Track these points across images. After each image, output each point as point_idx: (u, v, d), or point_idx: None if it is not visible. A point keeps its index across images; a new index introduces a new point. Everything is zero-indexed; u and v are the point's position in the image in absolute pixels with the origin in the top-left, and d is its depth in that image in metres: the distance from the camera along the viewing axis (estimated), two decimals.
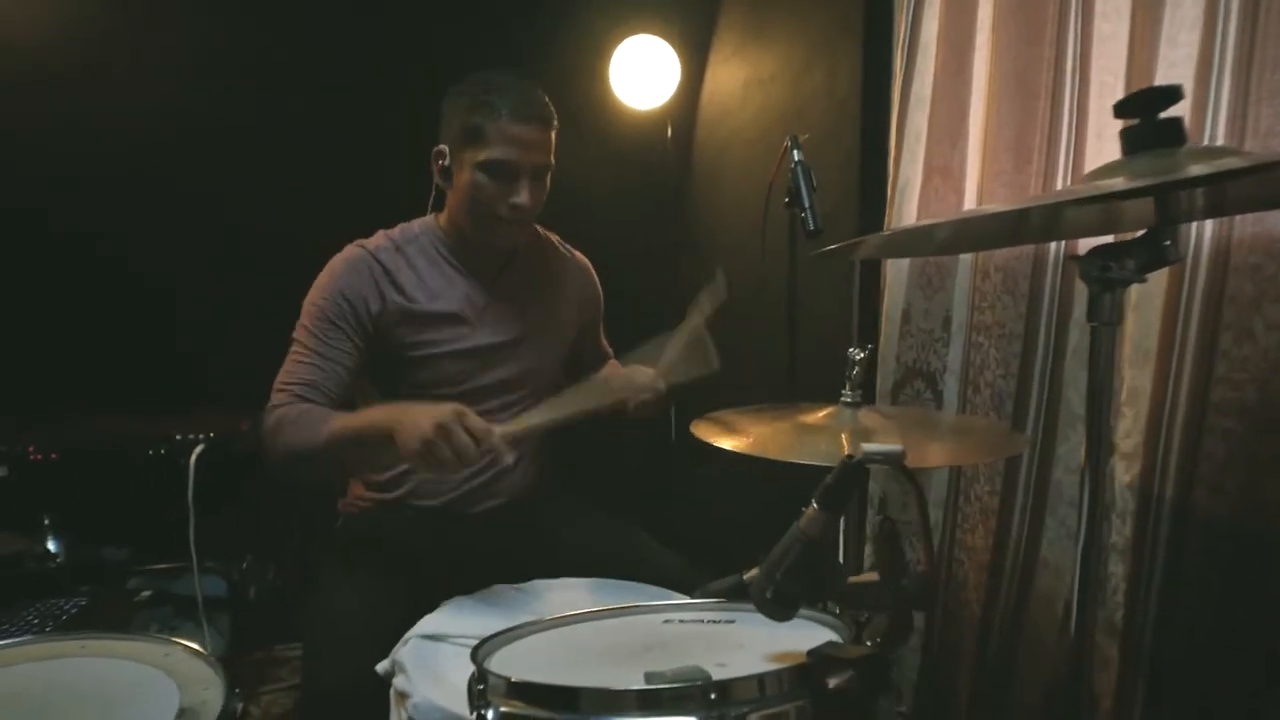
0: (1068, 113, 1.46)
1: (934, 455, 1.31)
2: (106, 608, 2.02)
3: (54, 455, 2.02)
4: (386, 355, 1.60)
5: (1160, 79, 1.27)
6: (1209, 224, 1.20)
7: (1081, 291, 1.45)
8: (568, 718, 0.78)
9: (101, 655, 1.12)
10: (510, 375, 1.68)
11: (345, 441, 1.42)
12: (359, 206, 1.80)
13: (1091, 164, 1.43)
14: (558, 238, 1.85)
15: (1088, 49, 1.42)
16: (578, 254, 1.86)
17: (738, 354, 2.42)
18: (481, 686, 0.83)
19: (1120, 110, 0.84)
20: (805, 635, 0.91)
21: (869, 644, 0.84)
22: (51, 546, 2.06)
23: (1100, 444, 0.86)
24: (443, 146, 1.59)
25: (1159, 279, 1.26)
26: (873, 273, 1.88)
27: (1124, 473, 1.32)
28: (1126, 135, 0.83)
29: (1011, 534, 1.53)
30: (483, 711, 0.80)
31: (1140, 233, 0.84)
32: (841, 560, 1.40)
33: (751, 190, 2.38)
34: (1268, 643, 1.15)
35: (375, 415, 1.43)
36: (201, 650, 1.10)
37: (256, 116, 2.38)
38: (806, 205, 1.58)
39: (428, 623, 1.31)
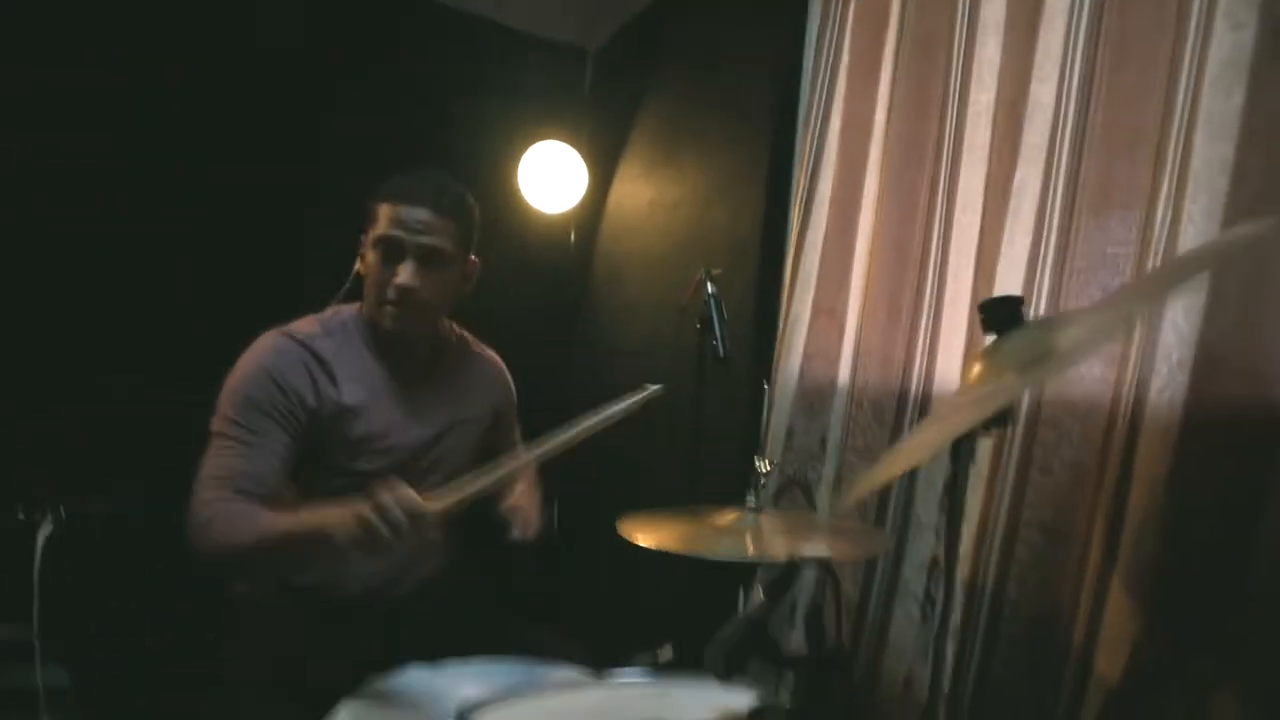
0: (932, 278, 1.80)
1: (816, 550, 1.55)
2: None
3: None
4: (310, 451, 1.60)
5: (1002, 262, 1.62)
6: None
7: None
8: None
9: None
10: (429, 470, 1.71)
11: (278, 539, 1.43)
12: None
13: (948, 320, 1.75)
14: (470, 335, 1.91)
15: (948, 232, 1.77)
16: (489, 351, 1.93)
17: (640, 454, 2.62)
18: None
19: (983, 309, 1.14)
20: (728, 698, 1.10)
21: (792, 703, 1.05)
22: None
23: (953, 555, 1.12)
24: (362, 235, 1.68)
25: None
26: (759, 396, 2.16)
27: (958, 572, 1.62)
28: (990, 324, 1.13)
29: (867, 620, 1.80)
30: None
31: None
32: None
33: (651, 306, 2.62)
34: (1049, 696, 1.47)
35: (304, 513, 1.45)
36: None
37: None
38: (718, 335, 1.81)
39: (351, 711, 1.32)
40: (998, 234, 1.64)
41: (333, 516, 1.36)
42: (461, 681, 1.46)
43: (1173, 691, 1.32)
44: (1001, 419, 1.10)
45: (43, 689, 1.90)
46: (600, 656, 1.59)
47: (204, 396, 1.61)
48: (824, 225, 2.05)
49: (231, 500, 1.48)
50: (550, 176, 2.85)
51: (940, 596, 1.13)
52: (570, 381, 2.98)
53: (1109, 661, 1.39)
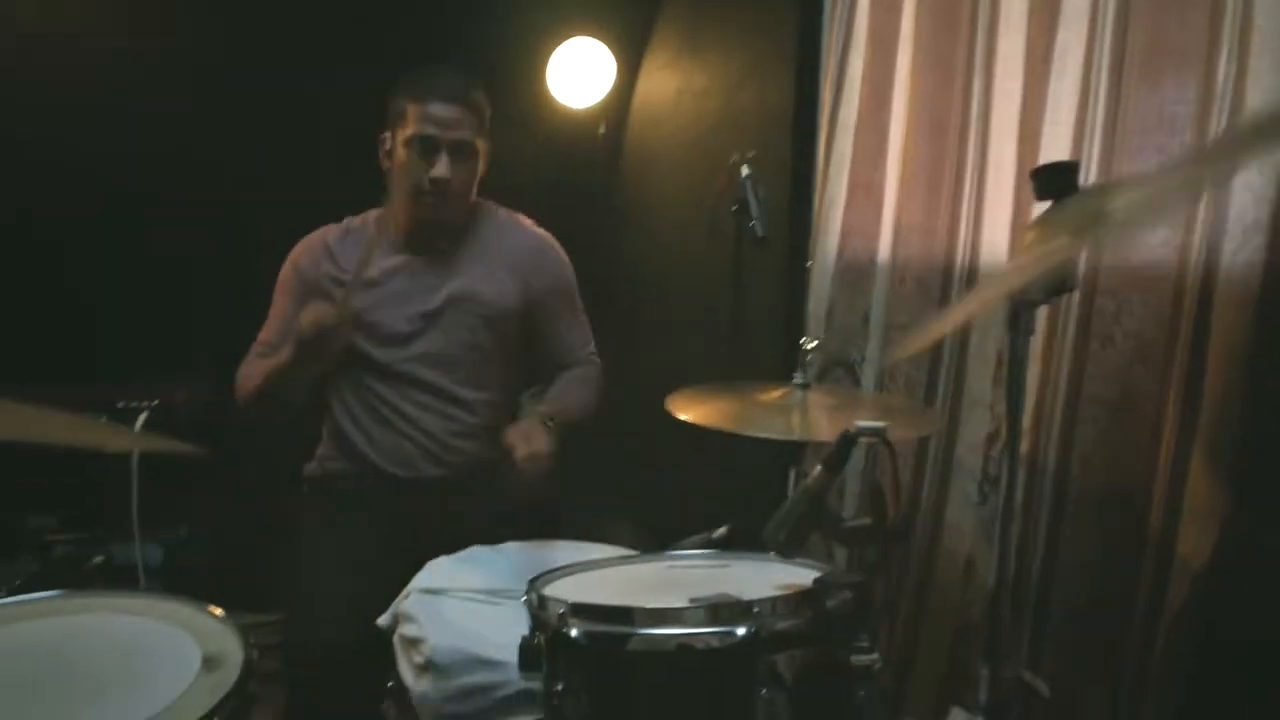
0: (973, 149, 1.77)
1: (871, 422, 1.58)
2: (54, 574, 2.07)
3: None
4: None
5: (1047, 129, 1.59)
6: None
7: None
8: (622, 630, 0.98)
9: (110, 610, 1.13)
10: (437, 351, 1.79)
11: (268, 375, 1.73)
12: (315, 202, 1.96)
13: (992, 191, 1.73)
14: (515, 216, 1.96)
15: (989, 100, 1.73)
16: (537, 230, 1.96)
17: (677, 338, 2.67)
18: (546, 610, 1.02)
19: (1035, 175, 1.12)
20: (789, 574, 1.14)
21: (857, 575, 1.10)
22: None
23: (1016, 431, 1.14)
24: (385, 134, 1.79)
25: None
26: (800, 275, 2.16)
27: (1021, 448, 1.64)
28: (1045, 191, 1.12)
29: (921, 503, 1.84)
30: (557, 630, 0.98)
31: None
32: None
33: (684, 194, 2.62)
34: (1125, 579, 1.47)
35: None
36: (211, 607, 1.13)
37: (219, 118, 2.43)
38: (755, 215, 1.82)
39: (422, 579, 1.44)
40: (1041, 100, 1.60)
41: (286, 349, 1.66)
42: (523, 557, 1.56)
43: (1267, 571, 1.27)
44: (1060, 287, 1.10)
45: (141, 564, 2.11)
46: (655, 538, 1.67)
47: None
48: (856, 102, 2.01)
49: (252, 361, 1.83)
50: (579, 72, 2.81)
51: (1004, 475, 1.14)
52: (607, 276, 2.99)
53: (1193, 544, 1.33)
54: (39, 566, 2.11)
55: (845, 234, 2.05)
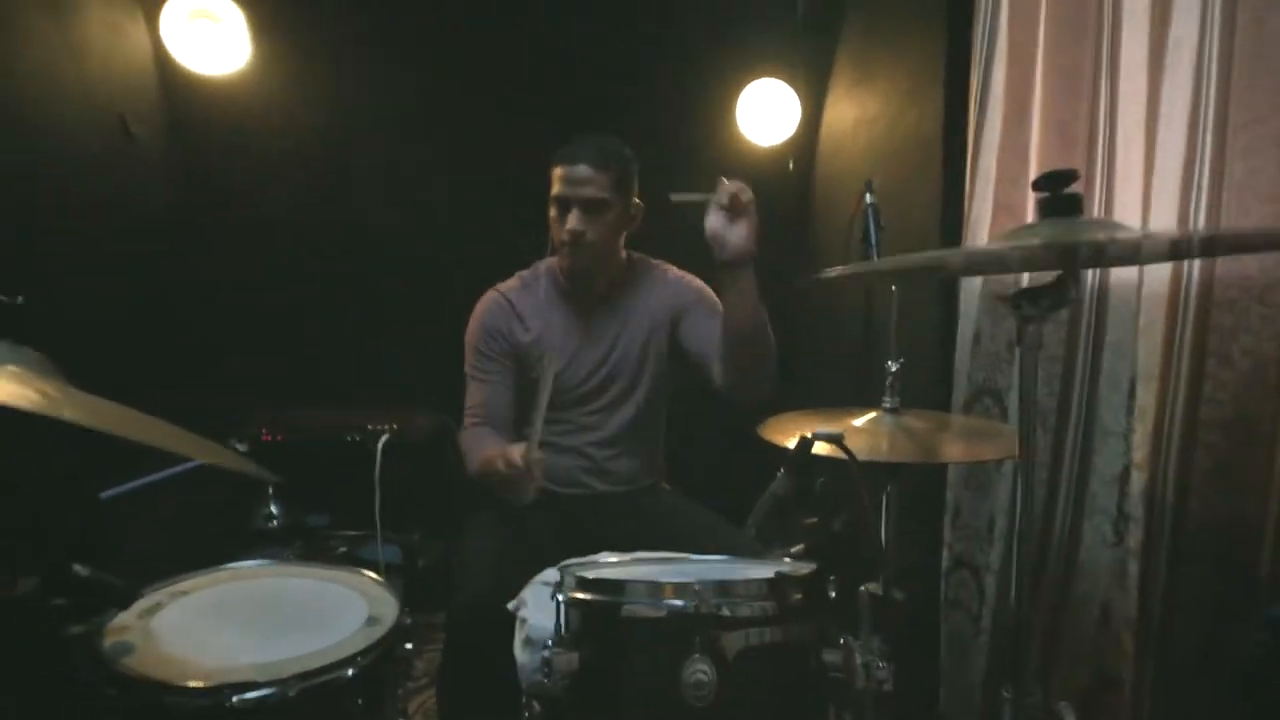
0: (1101, 159, 1.65)
1: (948, 453, 1.54)
2: (313, 558, 2.47)
3: (279, 437, 2.56)
4: (520, 379, 2.00)
5: (1161, 134, 1.45)
6: (1196, 263, 1.38)
7: (1116, 319, 1.65)
8: (612, 599, 1.12)
9: (317, 578, 1.53)
10: (608, 383, 2.03)
11: (482, 467, 1.87)
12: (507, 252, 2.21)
13: (1120, 201, 1.61)
14: (666, 267, 2.15)
15: (1114, 104, 1.61)
16: (684, 274, 2.13)
17: (815, 365, 2.67)
18: (560, 583, 1.19)
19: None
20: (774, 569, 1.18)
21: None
22: (273, 509, 2.57)
23: (1029, 450, 1.09)
24: None
25: (1158, 310, 1.44)
26: (950, 298, 2.10)
27: (1138, 482, 1.50)
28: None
29: (1054, 540, 1.72)
30: (558, 596, 1.15)
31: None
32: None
33: (849, 222, 2.62)
34: (1249, 619, 1.31)
35: (491, 450, 1.85)
36: (382, 580, 1.49)
37: (437, 180, 2.86)
38: (872, 242, 1.85)
39: (546, 574, 1.59)
40: (1156, 95, 1.47)
41: (494, 457, 1.78)
42: (639, 565, 1.67)
43: None
44: (1058, 300, 1.06)
45: (382, 562, 2.39)
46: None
47: None
48: (999, 120, 1.93)
49: (473, 428, 1.99)
50: (766, 111, 2.94)
51: (1018, 495, 1.10)
52: (799, 309, 3.05)
53: None
54: (305, 554, 2.56)
55: None
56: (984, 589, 1.96)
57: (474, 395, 2.03)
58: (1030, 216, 1.85)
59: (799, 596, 1.07)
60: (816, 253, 2.99)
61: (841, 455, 1.14)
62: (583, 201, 1.91)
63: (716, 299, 2.09)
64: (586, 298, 2.05)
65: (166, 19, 2.45)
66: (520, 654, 1.41)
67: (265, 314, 2.78)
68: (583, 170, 1.91)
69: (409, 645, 1.35)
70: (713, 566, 1.31)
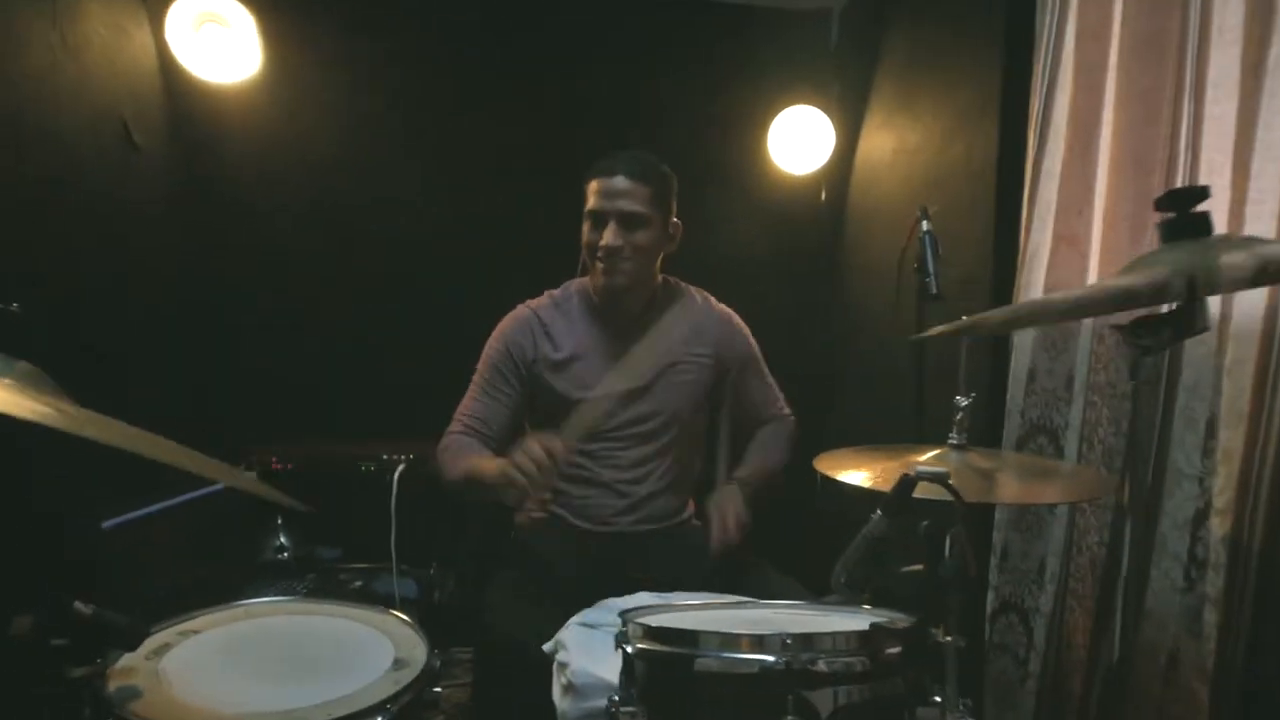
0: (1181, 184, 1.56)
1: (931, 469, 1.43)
2: (328, 594, 2.33)
3: (289, 466, 2.43)
4: (542, 399, 1.91)
5: (1257, 159, 1.37)
6: None
7: (1193, 356, 1.54)
8: (685, 651, 1.00)
9: (338, 616, 1.43)
10: (644, 416, 1.93)
11: (465, 477, 1.78)
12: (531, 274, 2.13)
13: None
14: (701, 293, 2.09)
15: (1198, 129, 1.52)
16: (720, 305, 2.09)
17: (875, 402, 2.58)
18: (624, 631, 1.08)
19: (1160, 205, 0.98)
20: (862, 619, 1.08)
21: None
22: (283, 540, 2.45)
23: (1139, 490, 0.99)
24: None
25: (1250, 346, 1.35)
26: (1005, 337, 2.00)
27: (1218, 527, 1.39)
28: (1164, 226, 0.98)
29: (1117, 585, 1.61)
30: (624, 648, 1.04)
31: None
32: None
33: (892, 253, 2.53)
34: None
35: (481, 459, 1.79)
36: (410, 620, 1.39)
37: (453, 202, 2.77)
38: (931, 272, 1.76)
39: (584, 614, 1.53)
40: (1253, 123, 1.39)
41: (489, 468, 1.69)
42: (709, 612, 1.59)
43: None
44: (1186, 329, 0.96)
45: (398, 597, 2.36)
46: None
47: None
48: (1062, 146, 1.84)
49: (459, 434, 1.89)
50: (799, 139, 2.87)
51: (1126, 541, 1.00)
52: (827, 340, 2.96)
53: None
54: (317, 587, 2.44)
55: (1049, 288, 1.87)
56: (1033, 633, 1.86)
57: (472, 406, 1.93)
58: (1095, 244, 1.77)
59: (896, 650, 0.96)
60: (850, 285, 2.90)
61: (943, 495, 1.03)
62: (621, 215, 1.83)
63: (757, 351, 2.12)
64: (620, 320, 1.96)
65: (172, 22, 2.30)
66: (561, 701, 1.32)
67: (274, 335, 2.67)
68: (621, 182, 1.83)
69: (438, 689, 1.25)
70: (792, 615, 1.20)
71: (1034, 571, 1.88)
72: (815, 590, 1.75)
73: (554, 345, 1.92)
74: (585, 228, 1.89)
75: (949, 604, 0.95)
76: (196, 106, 2.52)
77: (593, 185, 1.86)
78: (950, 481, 1.00)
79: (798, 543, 2.61)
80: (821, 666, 0.94)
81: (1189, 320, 0.95)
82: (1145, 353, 0.98)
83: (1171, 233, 0.97)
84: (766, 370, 2.14)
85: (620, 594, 1.64)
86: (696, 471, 2.08)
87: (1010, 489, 1.43)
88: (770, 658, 0.95)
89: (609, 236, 1.82)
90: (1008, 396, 1.94)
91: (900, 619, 1.01)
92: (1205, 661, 1.36)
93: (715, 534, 1.86)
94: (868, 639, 0.96)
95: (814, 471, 1.49)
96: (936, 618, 0.96)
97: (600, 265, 1.86)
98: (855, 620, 1.09)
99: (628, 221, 1.83)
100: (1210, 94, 1.50)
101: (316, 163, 2.66)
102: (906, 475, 1.02)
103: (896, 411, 2.25)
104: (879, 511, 1.03)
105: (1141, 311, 1.01)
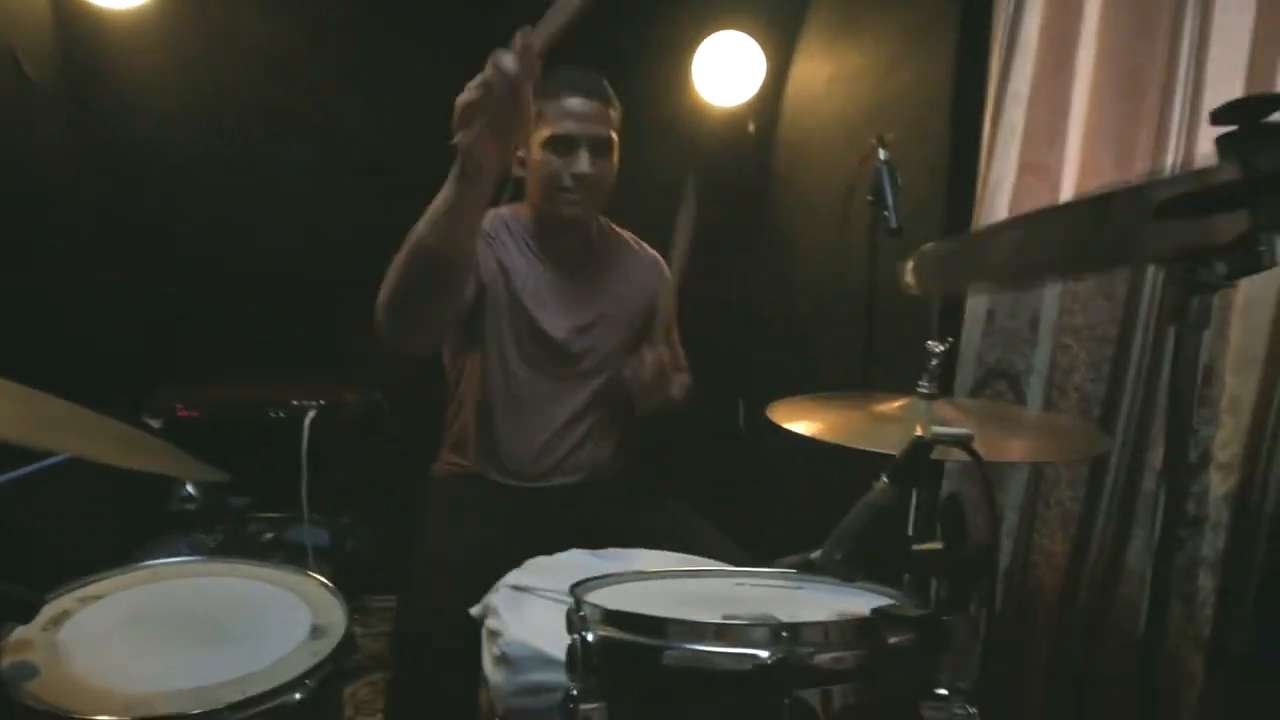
0: (1179, 110, 1.42)
1: (1012, 450, 1.29)
2: (239, 546, 2.28)
3: (197, 413, 2.26)
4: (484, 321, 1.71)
5: None
6: None
7: None
8: (653, 642, 0.83)
9: (251, 579, 1.30)
10: (580, 357, 1.78)
11: (422, 230, 1.39)
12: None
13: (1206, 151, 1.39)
14: (631, 234, 1.94)
15: (1205, 43, 1.37)
16: (648, 248, 1.94)
17: (814, 343, 2.44)
18: (581, 614, 0.89)
19: (1217, 117, 0.81)
20: (868, 602, 0.93)
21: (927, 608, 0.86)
22: (190, 489, 2.31)
23: (1181, 451, 0.84)
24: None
25: (1269, 285, 1.22)
26: None
27: (1219, 484, 1.28)
28: (1223, 143, 0.80)
29: (1093, 542, 1.50)
30: (583, 634, 0.85)
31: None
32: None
33: (832, 186, 2.38)
34: None
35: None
36: (328, 583, 1.27)
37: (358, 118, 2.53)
38: (890, 204, 1.61)
39: (514, 576, 1.39)
40: (1272, 31, 1.24)
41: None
42: (614, 565, 1.45)
43: None
44: (1247, 265, 0.80)
45: (310, 546, 2.27)
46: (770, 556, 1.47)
47: None
48: (1031, 66, 1.69)
49: None
50: (727, 68, 2.65)
51: (1160, 509, 0.85)
52: (755, 277, 2.79)
53: None
54: (227, 539, 2.31)
55: None
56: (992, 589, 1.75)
57: None
58: (1069, 175, 1.63)
59: (904, 640, 0.81)
60: (780, 222, 2.72)
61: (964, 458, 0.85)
62: (592, 140, 1.65)
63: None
64: (561, 253, 1.78)
65: None
66: (494, 673, 1.19)
67: (175, 278, 2.43)
68: (593, 105, 1.65)
69: (357, 657, 1.18)
70: (770, 591, 1.03)
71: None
72: (742, 542, 1.64)
73: (501, 267, 1.72)
74: (543, 154, 1.66)
75: (969, 588, 0.79)
76: (90, 35, 2.34)
77: (554, 105, 1.64)
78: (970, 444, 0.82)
79: (727, 486, 2.48)
80: (822, 661, 0.79)
81: (1250, 254, 0.79)
82: (1192, 292, 0.82)
83: (1231, 150, 0.80)
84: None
85: (549, 552, 1.49)
86: (623, 425, 1.91)
87: (1017, 447, 1.28)
88: (764, 653, 0.78)
89: (583, 164, 1.64)
90: (962, 338, 1.80)
91: (906, 601, 0.85)
92: (1201, 629, 1.25)
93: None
94: (873, 627, 0.81)
95: (736, 400, 1.33)
96: (956, 604, 0.80)
97: (568, 194, 1.67)
98: (848, 599, 0.93)
99: (599, 148, 1.66)
100: (1220, 2, 1.34)
101: (218, 91, 2.45)
102: (920, 438, 0.84)
103: (838, 354, 2.10)
104: (884, 478, 0.85)
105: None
